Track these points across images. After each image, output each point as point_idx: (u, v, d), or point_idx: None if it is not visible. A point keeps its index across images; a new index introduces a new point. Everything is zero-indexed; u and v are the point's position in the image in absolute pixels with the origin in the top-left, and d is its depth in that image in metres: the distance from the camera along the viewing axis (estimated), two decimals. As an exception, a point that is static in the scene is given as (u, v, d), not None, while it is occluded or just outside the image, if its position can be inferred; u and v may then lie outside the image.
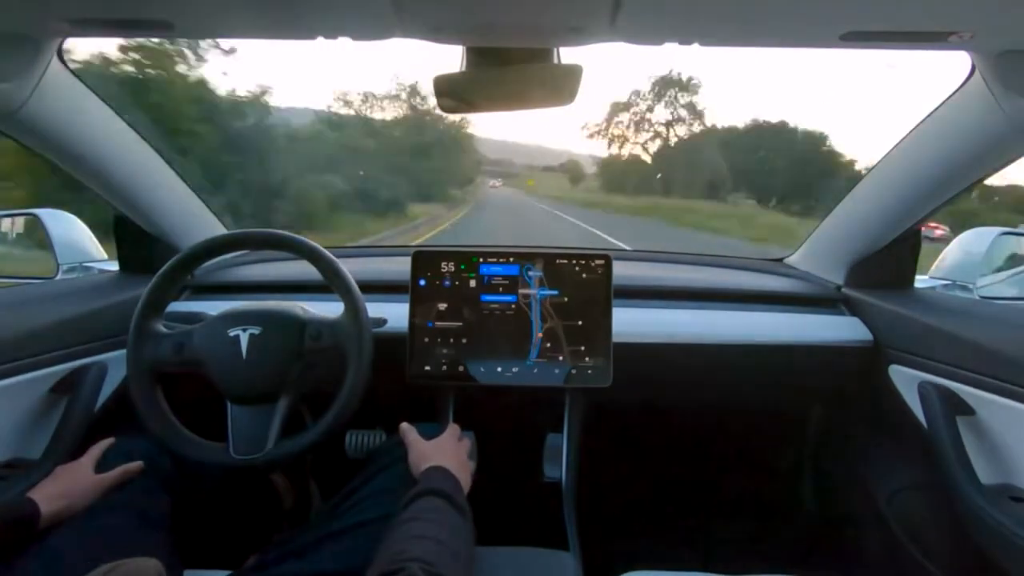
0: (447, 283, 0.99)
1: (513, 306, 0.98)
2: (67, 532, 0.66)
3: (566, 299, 0.98)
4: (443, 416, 1.02)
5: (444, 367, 0.98)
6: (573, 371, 0.97)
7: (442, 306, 0.98)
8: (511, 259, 0.99)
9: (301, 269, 0.93)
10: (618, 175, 37.62)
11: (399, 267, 1.04)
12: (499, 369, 0.97)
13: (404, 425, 0.81)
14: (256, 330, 0.81)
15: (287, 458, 0.81)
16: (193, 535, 0.79)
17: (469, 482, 0.74)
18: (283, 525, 1.05)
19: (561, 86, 0.74)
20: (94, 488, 0.72)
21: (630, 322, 1.02)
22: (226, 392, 0.81)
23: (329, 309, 0.88)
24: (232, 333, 0.81)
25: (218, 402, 0.82)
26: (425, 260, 0.99)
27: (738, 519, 1.32)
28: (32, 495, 0.68)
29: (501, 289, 0.99)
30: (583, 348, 0.97)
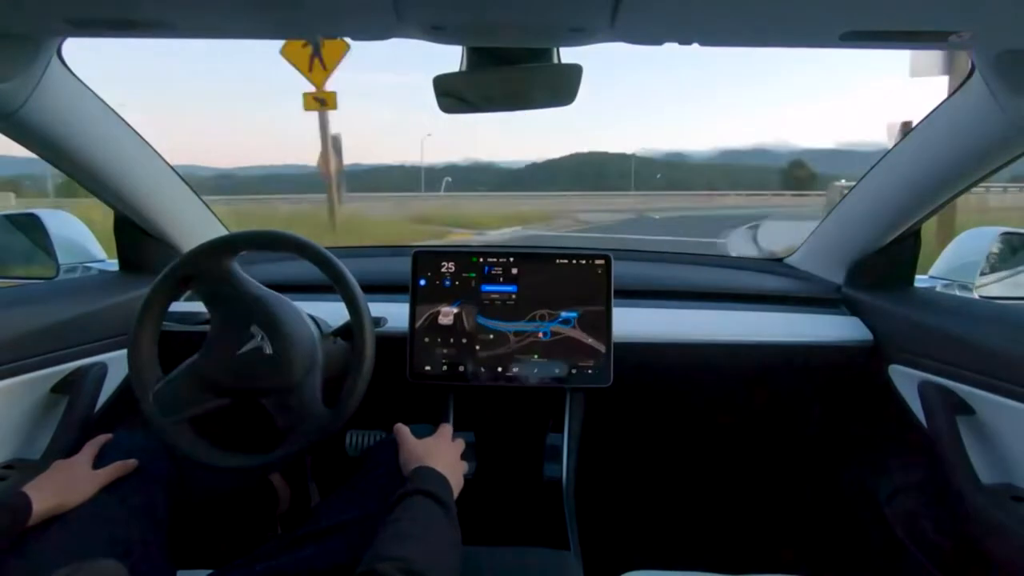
0: (447, 283, 0.99)
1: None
2: (61, 527, 0.66)
3: (566, 299, 0.98)
4: (443, 416, 1.02)
5: (444, 367, 0.98)
6: (573, 371, 0.97)
7: (443, 306, 0.99)
8: (511, 258, 0.99)
9: (302, 270, 0.93)
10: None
11: (399, 267, 1.04)
12: (499, 369, 0.97)
13: (398, 425, 0.81)
14: (269, 350, 0.77)
15: (242, 471, 0.80)
16: (188, 534, 0.79)
17: (461, 483, 0.74)
18: (278, 524, 1.05)
19: (561, 86, 0.74)
20: (90, 484, 0.71)
21: (630, 322, 1.02)
22: (200, 352, 0.79)
23: (333, 315, 0.87)
24: (252, 329, 0.78)
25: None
26: (425, 260, 0.99)
27: (738, 519, 1.32)
28: (26, 489, 0.67)
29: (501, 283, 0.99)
30: (583, 348, 0.97)
